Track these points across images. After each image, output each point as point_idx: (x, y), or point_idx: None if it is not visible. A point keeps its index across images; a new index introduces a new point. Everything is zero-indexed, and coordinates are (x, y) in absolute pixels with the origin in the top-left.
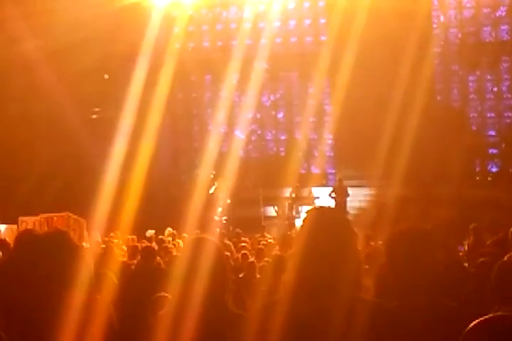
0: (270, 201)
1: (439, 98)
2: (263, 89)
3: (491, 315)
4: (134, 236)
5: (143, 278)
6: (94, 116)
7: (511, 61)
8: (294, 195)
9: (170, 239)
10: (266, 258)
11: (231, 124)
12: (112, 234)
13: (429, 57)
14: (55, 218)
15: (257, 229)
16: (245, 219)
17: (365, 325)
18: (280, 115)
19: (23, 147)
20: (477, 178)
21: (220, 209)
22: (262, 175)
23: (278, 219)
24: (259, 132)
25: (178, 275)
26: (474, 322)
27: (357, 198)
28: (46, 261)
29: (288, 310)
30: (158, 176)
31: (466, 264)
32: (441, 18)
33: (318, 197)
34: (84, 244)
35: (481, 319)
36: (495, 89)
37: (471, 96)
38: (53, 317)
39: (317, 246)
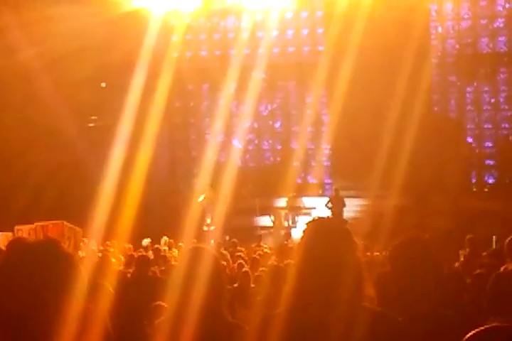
0: (267, 210)
1: (436, 109)
2: (260, 98)
3: (486, 326)
4: (131, 245)
5: (138, 288)
6: (92, 125)
7: (509, 72)
8: (290, 205)
9: (166, 248)
10: (262, 268)
11: (228, 133)
12: (108, 243)
13: (426, 68)
14: (50, 226)
15: (253, 239)
16: (242, 229)
17: (366, 334)
18: (277, 125)
19: (20, 155)
20: (474, 189)
21: (208, 219)
22: (259, 184)
23: (274, 228)
24: (256, 141)
25: (175, 285)
26: (471, 333)
27: (353, 208)
28: (36, 270)
29: (288, 321)
30: (155, 185)
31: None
32: (439, 29)
33: (314, 207)
34: (80, 252)
35: (478, 330)
36: (492, 100)
37: (468, 107)
38: (43, 327)
39: (317, 257)
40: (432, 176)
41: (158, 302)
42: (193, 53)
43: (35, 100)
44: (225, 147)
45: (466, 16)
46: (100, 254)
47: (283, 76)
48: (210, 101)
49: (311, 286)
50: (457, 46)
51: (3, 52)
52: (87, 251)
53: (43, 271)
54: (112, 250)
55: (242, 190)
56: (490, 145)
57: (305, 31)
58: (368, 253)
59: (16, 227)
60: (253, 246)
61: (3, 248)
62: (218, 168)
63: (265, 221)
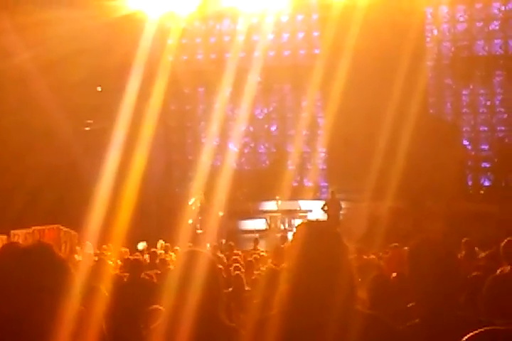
0: (262, 214)
1: (431, 111)
2: (256, 101)
3: (482, 329)
4: (127, 249)
5: (132, 291)
6: (88, 128)
7: (504, 75)
8: (286, 208)
9: (162, 251)
10: (258, 271)
11: (224, 137)
12: (104, 247)
13: (422, 71)
14: (47, 230)
15: (249, 242)
16: (237, 232)
17: (360, 337)
18: (273, 128)
19: (16, 159)
20: (470, 192)
21: (191, 221)
22: (255, 187)
23: (270, 231)
24: (252, 145)
25: (172, 288)
26: (466, 336)
27: (350, 211)
28: (27, 274)
29: (283, 324)
30: (151, 189)
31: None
32: (435, 32)
33: (311, 211)
34: (76, 256)
35: (473, 333)
36: (488, 103)
37: (464, 109)
38: (37, 331)
39: (308, 261)
40: (428, 179)
41: (155, 306)
42: (189, 56)
43: (31, 103)
44: (220, 150)
45: (461, 19)
46: (96, 258)
47: (278, 79)
48: (205, 105)
49: (303, 289)
50: (453, 49)
51: None
52: (83, 254)
53: (34, 276)
54: (108, 253)
55: (238, 193)
56: (486, 147)
57: (300, 34)
58: (365, 257)
59: (13, 232)
60: (249, 249)
61: None
62: (214, 172)
63: (261, 224)
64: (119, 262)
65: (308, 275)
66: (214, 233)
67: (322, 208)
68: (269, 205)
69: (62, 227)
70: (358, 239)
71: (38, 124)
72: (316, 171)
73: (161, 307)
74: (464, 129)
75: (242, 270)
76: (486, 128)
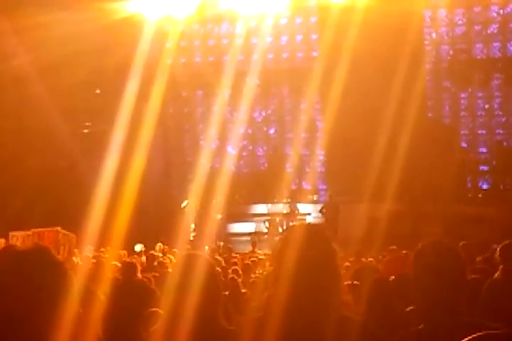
0: (261, 216)
1: (430, 114)
2: (255, 104)
3: (481, 332)
4: (125, 251)
5: (127, 294)
6: (86, 131)
7: (503, 78)
8: (284, 211)
9: (160, 254)
10: (255, 274)
11: (223, 139)
12: (102, 249)
13: (420, 74)
14: (45, 233)
15: (247, 245)
16: (236, 235)
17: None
18: (272, 131)
19: (14, 161)
20: (468, 195)
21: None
22: (253, 190)
23: (269, 234)
24: (250, 147)
25: (171, 291)
26: (465, 340)
27: (348, 214)
28: (25, 277)
29: (275, 326)
30: (149, 191)
31: None
32: (433, 35)
33: (309, 213)
34: (74, 258)
35: (472, 336)
36: (486, 106)
37: (463, 113)
38: (33, 334)
39: (295, 264)
40: (427, 182)
41: (153, 309)
42: (187, 59)
43: (31, 105)
44: (219, 153)
45: (460, 22)
46: (95, 261)
47: (277, 82)
48: (204, 108)
49: (291, 292)
50: (451, 52)
51: None
52: (82, 257)
53: (32, 279)
54: (106, 256)
55: (236, 196)
56: (484, 150)
57: (299, 37)
58: (364, 259)
59: (11, 233)
60: (247, 252)
61: None
62: (212, 174)
63: (259, 227)
64: (118, 264)
65: (294, 279)
66: (212, 235)
67: (320, 211)
68: (267, 208)
69: (61, 230)
70: (357, 241)
71: (37, 126)
72: (314, 174)
73: (160, 310)
74: (463, 132)
75: (240, 273)
76: (484, 131)
